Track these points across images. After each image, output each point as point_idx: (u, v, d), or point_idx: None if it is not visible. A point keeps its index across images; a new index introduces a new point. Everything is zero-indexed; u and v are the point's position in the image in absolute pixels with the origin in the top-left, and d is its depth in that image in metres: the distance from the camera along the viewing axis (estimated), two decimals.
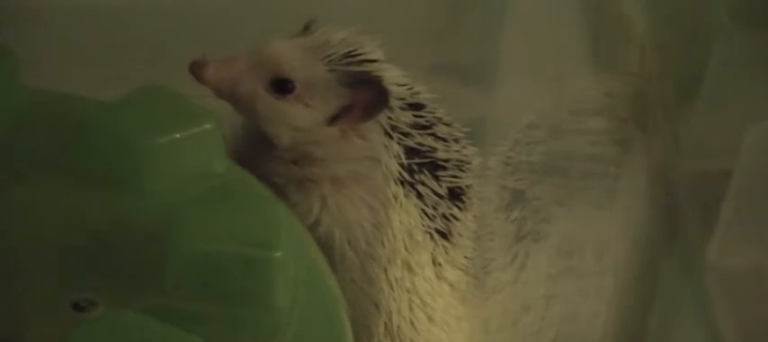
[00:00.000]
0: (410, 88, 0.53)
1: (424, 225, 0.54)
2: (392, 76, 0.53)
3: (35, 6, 0.63)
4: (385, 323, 0.54)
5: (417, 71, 0.55)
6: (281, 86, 0.52)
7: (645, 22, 0.63)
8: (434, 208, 0.54)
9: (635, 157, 0.61)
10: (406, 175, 0.53)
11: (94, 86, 0.54)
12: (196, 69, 0.53)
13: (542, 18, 0.65)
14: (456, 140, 0.54)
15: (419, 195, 0.54)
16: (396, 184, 0.53)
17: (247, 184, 0.53)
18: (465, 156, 0.55)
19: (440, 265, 0.54)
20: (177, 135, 0.50)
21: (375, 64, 0.53)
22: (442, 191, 0.54)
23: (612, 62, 0.65)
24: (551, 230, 0.60)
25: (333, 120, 0.53)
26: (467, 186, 0.55)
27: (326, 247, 0.53)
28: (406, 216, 0.53)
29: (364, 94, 0.52)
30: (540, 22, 0.65)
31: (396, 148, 0.53)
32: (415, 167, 0.53)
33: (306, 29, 0.54)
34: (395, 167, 0.53)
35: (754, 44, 0.54)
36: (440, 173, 0.54)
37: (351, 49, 0.52)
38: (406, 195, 0.54)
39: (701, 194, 0.57)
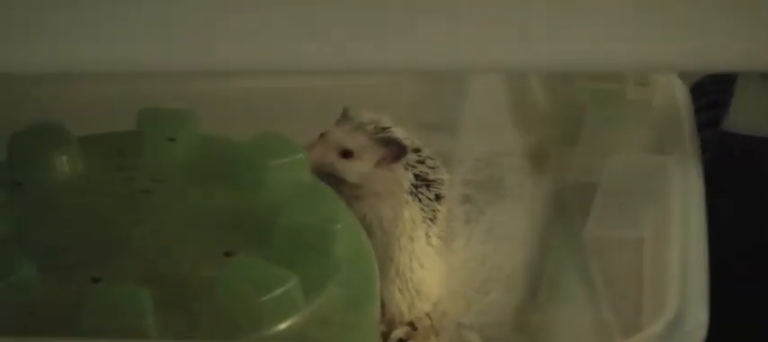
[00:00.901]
0: (410, 140, 0.82)
1: (421, 215, 0.82)
2: (401, 133, 0.81)
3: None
4: (396, 269, 0.82)
5: (412, 128, 0.82)
6: (347, 154, 0.79)
7: (545, 102, 0.89)
8: (427, 205, 0.83)
9: (539, 176, 0.86)
10: (413, 188, 0.82)
11: None
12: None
13: (488, 97, 0.91)
14: (436, 168, 0.83)
15: (419, 199, 0.82)
16: (407, 193, 0.82)
17: (320, 187, 0.75)
18: (441, 176, 0.83)
19: (428, 236, 0.83)
20: (284, 160, 0.74)
21: (390, 129, 0.80)
22: (431, 196, 0.83)
23: (526, 124, 0.89)
24: (484, 218, 0.86)
25: (377, 164, 0.80)
26: (443, 193, 0.83)
27: (367, 228, 0.79)
28: (411, 211, 0.82)
29: (392, 149, 0.80)
30: (486, 99, 0.90)
31: (409, 175, 0.82)
32: (417, 184, 0.82)
33: (345, 114, 0.81)
34: (408, 185, 0.81)
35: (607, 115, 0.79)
36: (430, 186, 0.83)
37: (376, 124, 0.80)
38: (412, 200, 0.82)
39: (581, 196, 0.79)
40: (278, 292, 0.63)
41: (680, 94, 0.77)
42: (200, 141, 0.78)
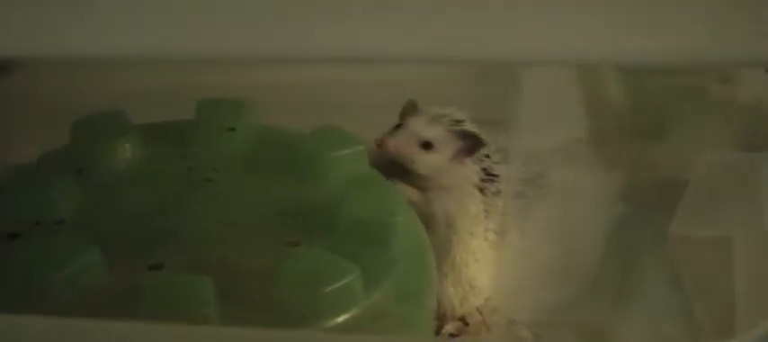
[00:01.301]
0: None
1: (482, 210, 0.82)
2: (472, 127, 0.81)
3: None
4: (451, 263, 0.82)
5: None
6: (427, 146, 0.79)
7: (621, 98, 0.87)
8: (488, 200, 0.82)
9: (609, 172, 0.85)
10: (480, 183, 0.81)
11: None
12: (381, 144, 0.78)
13: (547, 91, 0.90)
14: (499, 163, 0.83)
15: (483, 194, 0.82)
16: (474, 188, 0.81)
17: (380, 179, 0.76)
18: (499, 171, 0.83)
19: (485, 231, 0.83)
20: (344, 151, 0.74)
21: (464, 122, 0.80)
22: (493, 190, 0.82)
23: (597, 118, 0.88)
24: (540, 213, 0.86)
25: (452, 157, 0.80)
26: (501, 188, 0.83)
27: (430, 221, 0.79)
28: (475, 206, 0.82)
29: (469, 142, 0.80)
30: (545, 93, 0.90)
31: (477, 169, 0.81)
32: (484, 179, 0.82)
33: (414, 107, 0.81)
34: (476, 179, 0.81)
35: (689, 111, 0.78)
36: (493, 181, 0.83)
37: (450, 116, 0.80)
38: (477, 194, 0.82)
39: (662, 193, 0.79)
40: (340, 283, 0.63)
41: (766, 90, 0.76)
42: (260, 131, 0.78)
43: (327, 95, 0.94)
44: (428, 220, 0.79)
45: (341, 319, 0.63)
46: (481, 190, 0.82)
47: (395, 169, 0.79)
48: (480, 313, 0.85)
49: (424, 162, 0.80)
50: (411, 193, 0.80)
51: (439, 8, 0.53)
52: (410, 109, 0.82)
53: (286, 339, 0.57)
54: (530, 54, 0.56)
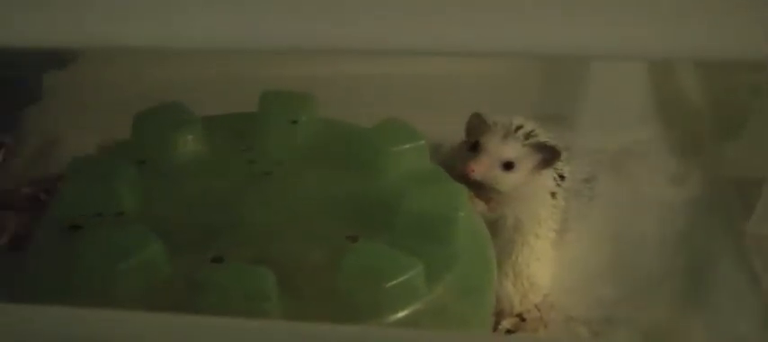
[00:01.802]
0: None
1: (551, 213, 0.82)
2: (544, 135, 0.80)
3: None
4: (513, 262, 0.81)
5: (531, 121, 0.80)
6: (508, 166, 0.78)
7: (697, 95, 0.86)
8: (556, 202, 0.82)
9: (681, 170, 0.83)
10: (553, 187, 0.81)
11: None
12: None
13: (612, 88, 0.89)
14: (564, 163, 0.82)
15: (554, 197, 0.81)
16: (548, 193, 0.81)
17: (442, 175, 0.75)
18: (566, 173, 0.82)
19: (548, 230, 0.82)
20: (406, 146, 0.74)
21: (536, 132, 0.79)
22: (561, 191, 0.82)
23: (671, 116, 0.86)
24: (601, 211, 0.84)
25: (532, 171, 0.79)
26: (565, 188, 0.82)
27: (496, 225, 0.79)
28: (545, 210, 0.81)
29: (546, 155, 0.79)
30: (609, 90, 0.89)
31: (553, 175, 0.81)
32: (559, 183, 0.81)
33: (483, 121, 0.79)
34: (552, 185, 0.81)
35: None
36: (561, 183, 0.82)
37: (523, 129, 0.79)
38: (549, 198, 0.81)
39: (740, 192, 0.78)
40: (403, 278, 0.63)
41: None
42: (322, 125, 0.78)
43: (390, 89, 0.93)
44: (493, 225, 0.79)
45: (402, 314, 0.63)
46: (553, 194, 0.82)
47: (477, 186, 0.79)
48: (538, 310, 0.84)
49: (506, 181, 0.79)
50: (477, 203, 0.79)
51: (506, 1, 0.52)
52: (478, 123, 0.81)
53: (346, 335, 0.57)
54: (597, 49, 0.54)
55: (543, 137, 0.80)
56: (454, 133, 0.83)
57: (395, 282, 0.63)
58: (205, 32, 0.52)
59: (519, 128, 0.79)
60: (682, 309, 0.81)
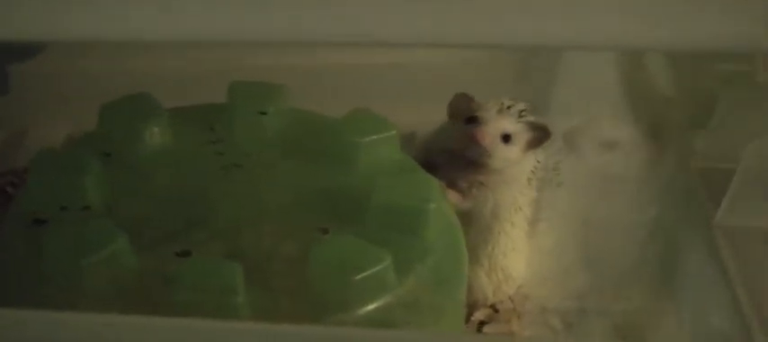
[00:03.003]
0: None
1: (528, 199, 0.81)
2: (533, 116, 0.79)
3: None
4: (488, 252, 0.81)
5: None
6: (507, 139, 0.78)
7: (666, 84, 0.86)
8: (531, 189, 0.81)
9: (651, 160, 0.83)
10: (530, 173, 0.81)
11: None
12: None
13: (583, 77, 0.89)
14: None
15: (530, 183, 0.81)
16: (528, 178, 0.81)
17: (412, 166, 0.75)
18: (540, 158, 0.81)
19: (523, 220, 0.82)
20: (375, 136, 0.73)
21: (526, 111, 0.79)
22: (535, 179, 0.81)
23: (640, 106, 0.86)
24: (573, 202, 0.83)
25: (524, 149, 0.79)
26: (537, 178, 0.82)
27: (472, 214, 0.79)
28: (523, 196, 0.81)
29: (539, 133, 0.79)
30: (580, 80, 0.89)
31: (533, 159, 0.80)
32: (535, 169, 0.81)
33: (471, 99, 0.79)
34: (530, 171, 0.80)
35: (736, 98, 0.76)
36: (535, 170, 0.81)
37: (514, 106, 0.78)
38: (529, 185, 0.81)
39: (708, 182, 0.77)
40: (371, 271, 0.62)
41: None
42: (291, 116, 0.78)
43: (360, 80, 0.93)
44: (468, 215, 0.79)
45: (372, 306, 0.63)
46: (529, 180, 0.81)
47: (461, 161, 0.79)
48: (512, 301, 0.84)
49: (503, 155, 0.78)
50: (451, 194, 0.79)
51: None
52: (466, 102, 0.80)
53: (314, 333, 0.57)
54: (569, 39, 0.53)
55: (531, 117, 0.80)
56: (425, 123, 0.83)
57: (363, 274, 0.62)
58: (174, 23, 0.51)
59: (510, 106, 0.79)
60: (654, 300, 0.80)
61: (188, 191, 0.71)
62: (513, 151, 0.78)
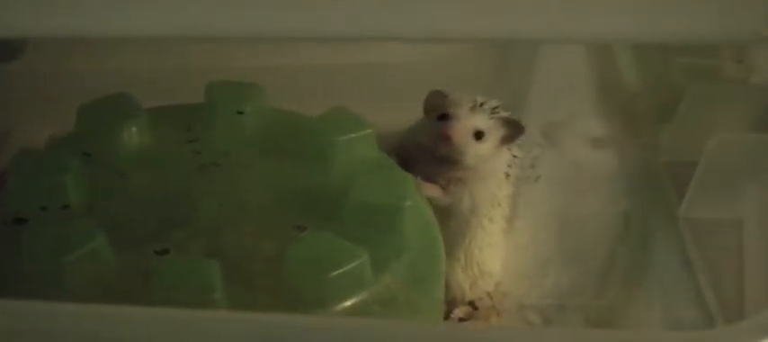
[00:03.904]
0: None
1: (505, 195, 0.82)
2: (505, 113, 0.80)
3: None
4: (464, 247, 0.82)
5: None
6: (478, 135, 0.78)
7: (634, 78, 0.87)
8: (507, 185, 0.82)
9: (621, 154, 0.85)
10: (506, 168, 0.81)
11: None
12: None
13: (557, 72, 0.89)
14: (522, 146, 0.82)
15: (507, 178, 0.82)
16: (504, 173, 0.81)
17: (389, 164, 0.76)
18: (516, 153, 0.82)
19: (501, 216, 0.82)
20: (351, 135, 0.74)
21: (499, 108, 0.80)
22: (511, 174, 0.82)
23: (610, 100, 0.87)
24: (550, 197, 0.85)
25: (497, 145, 0.79)
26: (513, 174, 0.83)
27: (449, 210, 0.80)
28: (500, 191, 0.82)
29: (511, 129, 0.79)
30: (554, 74, 0.90)
31: (509, 155, 0.81)
32: (510, 164, 0.82)
33: (445, 96, 0.79)
34: (506, 165, 0.81)
35: (703, 92, 0.77)
36: (511, 165, 0.82)
37: (487, 103, 0.79)
38: (506, 181, 0.82)
39: (675, 175, 0.79)
40: (347, 267, 0.63)
41: None
42: (269, 115, 0.78)
43: (337, 78, 0.94)
44: (446, 210, 0.79)
45: (349, 303, 0.63)
46: (507, 175, 0.82)
47: (435, 158, 0.79)
48: (490, 298, 0.84)
49: (475, 151, 0.79)
50: (427, 188, 0.79)
51: None
52: (441, 99, 0.80)
53: (293, 324, 0.56)
54: (540, 33, 0.54)
55: (504, 113, 0.80)
56: (402, 121, 0.83)
57: (339, 271, 0.63)
58: (153, 21, 0.52)
59: (483, 103, 0.79)
60: (627, 292, 0.81)
61: (167, 190, 0.72)
62: (486, 148, 0.79)
